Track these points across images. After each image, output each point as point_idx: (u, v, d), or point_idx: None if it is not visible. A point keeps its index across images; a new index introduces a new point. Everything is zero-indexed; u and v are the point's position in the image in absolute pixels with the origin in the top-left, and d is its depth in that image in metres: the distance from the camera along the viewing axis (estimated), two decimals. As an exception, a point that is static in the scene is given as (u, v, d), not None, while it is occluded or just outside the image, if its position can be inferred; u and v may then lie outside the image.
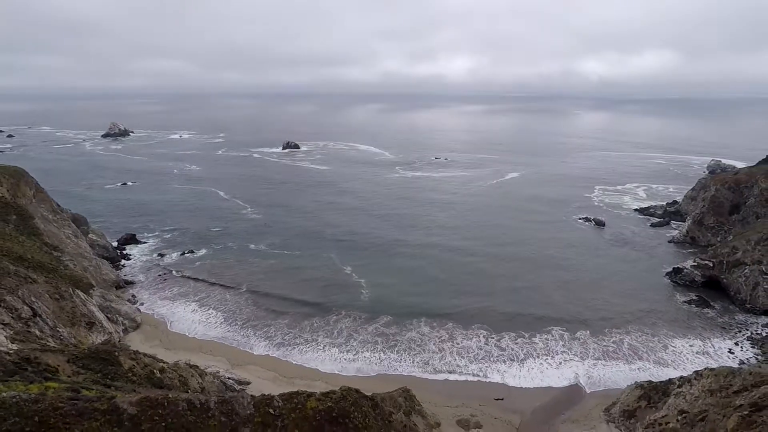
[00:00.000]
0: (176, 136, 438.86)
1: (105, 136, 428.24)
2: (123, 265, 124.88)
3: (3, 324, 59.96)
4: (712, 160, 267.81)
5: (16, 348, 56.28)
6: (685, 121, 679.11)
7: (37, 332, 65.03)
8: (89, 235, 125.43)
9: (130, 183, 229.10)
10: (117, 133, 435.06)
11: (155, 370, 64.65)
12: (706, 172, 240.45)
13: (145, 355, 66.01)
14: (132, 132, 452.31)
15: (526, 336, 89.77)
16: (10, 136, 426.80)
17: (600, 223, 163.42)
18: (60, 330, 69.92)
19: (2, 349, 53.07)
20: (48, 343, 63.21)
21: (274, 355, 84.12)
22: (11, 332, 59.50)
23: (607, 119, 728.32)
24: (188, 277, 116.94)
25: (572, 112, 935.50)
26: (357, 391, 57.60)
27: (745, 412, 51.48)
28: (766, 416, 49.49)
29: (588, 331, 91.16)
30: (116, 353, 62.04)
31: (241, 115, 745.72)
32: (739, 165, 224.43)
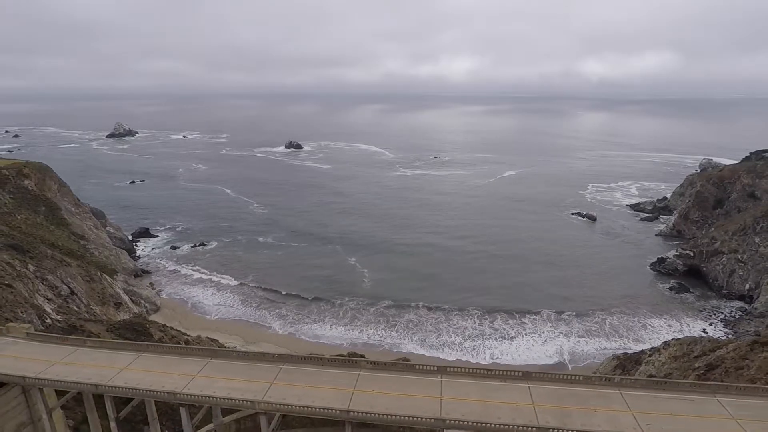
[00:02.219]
0: (180, 136, 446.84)
1: (110, 136, 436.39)
2: (139, 256, 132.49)
3: (47, 298, 67.55)
4: (704, 158, 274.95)
5: (61, 318, 63.93)
6: (682, 121, 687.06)
7: (75, 307, 72.60)
8: (107, 228, 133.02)
9: (138, 181, 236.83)
10: (122, 133, 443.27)
11: (181, 341, 72.28)
12: (698, 171, 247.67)
13: (171, 328, 73.63)
14: (137, 132, 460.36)
15: (517, 317, 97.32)
16: (16, 136, 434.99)
17: (592, 218, 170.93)
18: (93, 307, 77.49)
19: (52, 317, 60.73)
20: (86, 317, 70.81)
21: (285, 333, 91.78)
22: (55, 306, 67.11)
23: (605, 119, 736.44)
24: (201, 267, 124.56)
25: (571, 112, 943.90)
26: (362, 356, 65.27)
27: (701, 372, 58.94)
28: (718, 374, 56.95)
29: (574, 313, 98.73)
30: (147, 325, 69.63)
31: (244, 116, 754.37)
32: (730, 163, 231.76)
